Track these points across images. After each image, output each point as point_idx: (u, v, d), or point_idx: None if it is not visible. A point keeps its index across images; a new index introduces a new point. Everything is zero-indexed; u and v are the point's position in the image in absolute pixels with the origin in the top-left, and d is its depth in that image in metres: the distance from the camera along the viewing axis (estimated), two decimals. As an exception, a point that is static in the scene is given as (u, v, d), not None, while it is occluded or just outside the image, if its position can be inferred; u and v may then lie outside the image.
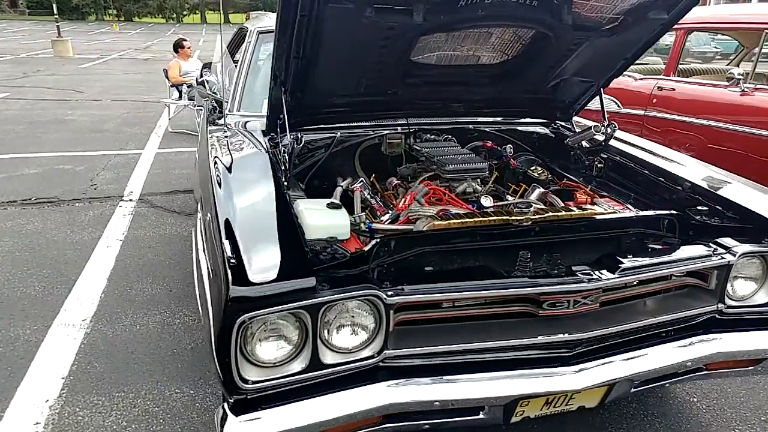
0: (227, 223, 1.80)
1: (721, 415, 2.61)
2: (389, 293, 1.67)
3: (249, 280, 1.54)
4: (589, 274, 1.81)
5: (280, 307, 1.53)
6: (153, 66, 18.62)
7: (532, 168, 2.87)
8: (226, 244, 1.64)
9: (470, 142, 2.95)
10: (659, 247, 2.02)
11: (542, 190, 2.57)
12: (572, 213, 2.08)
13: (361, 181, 2.66)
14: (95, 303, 3.56)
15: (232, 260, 1.59)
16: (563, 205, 2.43)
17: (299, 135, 2.36)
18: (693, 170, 2.49)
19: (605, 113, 2.74)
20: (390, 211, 2.46)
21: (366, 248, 1.85)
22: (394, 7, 1.99)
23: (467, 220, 1.97)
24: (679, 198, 2.32)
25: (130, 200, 5.44)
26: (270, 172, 2.26)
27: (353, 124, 2.78)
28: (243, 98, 3.09)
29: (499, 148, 2.90)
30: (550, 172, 2.85)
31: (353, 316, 1.70)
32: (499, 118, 3.00)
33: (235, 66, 3.35)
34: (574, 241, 2.00)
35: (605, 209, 2.17)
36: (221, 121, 3.08)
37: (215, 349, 1.57)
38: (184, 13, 67.34)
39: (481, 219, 1.98)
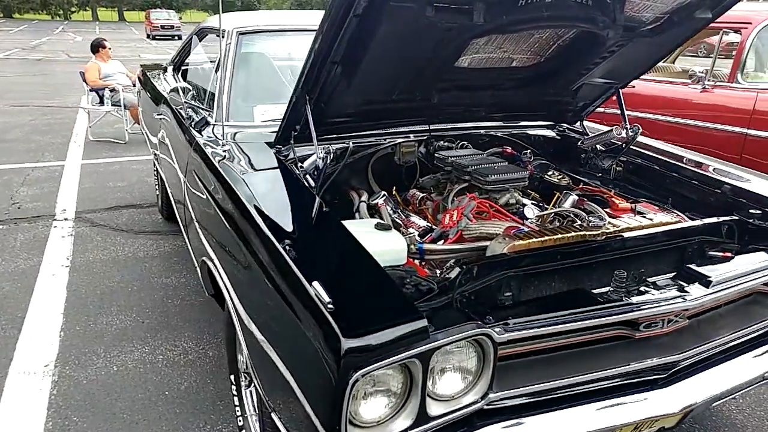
0: (303, 260, 1.54)
1: (752, 414, 2.63)
2: (497, 329, 1.49)
3: (360, 329, 1.30)
4: (684, 290, 1.71)
5: (401, 356, 1.31)
6: (49, 67, 17.20)
7: (549, 173, 2.76)
8: (318, 288, 1.39)
9: (483, 148, 2.80)
10: (729, 255, 1.96)
11: (575, 197, 2.47)
12: (643, 224, 1.99)
13: (384, 195, 2.45)
14: (55, 344, 3.11)
15: (330, 306, 1.34)
16: (604, 213, 2.34)
17: (330, 148, 2.13)
18: (723, 171, 2.48)
19: (625, 115, 2.68)
20: (425, 227, 2.28)
21: (451, 275, 1.65)
22: (452, 6, 1.80)
23: (546, 238, 1.82)
24: (720, 201, 2.29)
25: (65, 219, 4.88)
26: (311, 192, 2.02)
27: (369, 132, 2.56)
28: (231, 107, 2.77)
29: (517, 153, 2.78)
30: (566, 176, 2.76)
31: (454, 358, 1.50)
32: (513, 122, 2.88)
33: (215, 71, 3.02)
34: (648, 254, 1.90)
35: (672, 218, 2.09)
36: (208, 133, 2.76)
37: (321, 417, 1.32)
38: (73, 9, 62.99)
39: (559, 237, 1.83)
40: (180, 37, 33.12)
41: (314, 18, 3.53)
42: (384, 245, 1.86)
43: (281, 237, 1.68)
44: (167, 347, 3.09)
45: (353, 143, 2.46)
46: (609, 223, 1.95)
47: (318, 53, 1.93)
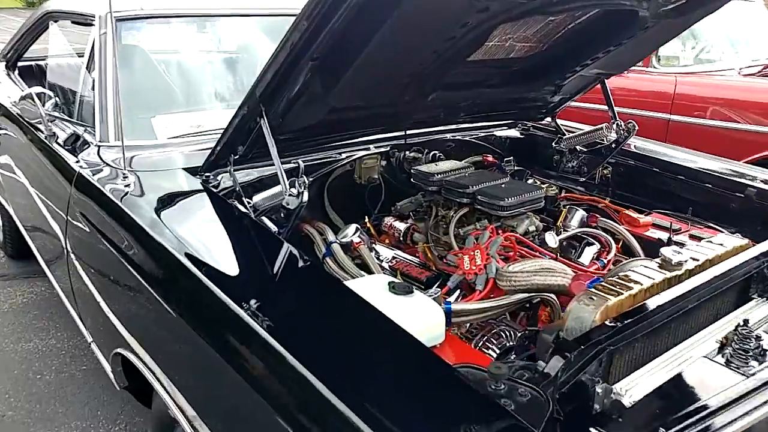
0: (343, 386, 0.96)
1: None
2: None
3: None
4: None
5: None
6: None
7: (529, 182, 2.35)
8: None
9: (452, 155, 2.30)
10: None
11: (583, 213, 2.07)
12: (720, 253, 1.61)
13: (356, 228, 1.87)
14: None
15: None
16: (625, 233, 1.97)
17: (305, 179, 1.53)
18: (735, 171, 2.19)
19: (614, 111, 2.32)
20: (428, 273, 1.75)
21: (547, 369, 1.15)
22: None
23: (635, 292, 1.36)
24: (747, 208, 2.00)
25: None
26: (277, 239, 1.47)
27: (329, 146, 1.97)
28: (119, 121, 2.00)
29: (498, 161, 2.33)
30: (552, 184, 2.37)
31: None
32: (484, 122, 2.41)
33: (88, 70, 2.20)
34: (725, 290, 1.54)
35: (741, 241, 1.74)
36: (89, 157, 1.99)
37: None
38: None
39: (646, 287, 1.39)
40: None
41: (212, 1, 2.81)
42: (414, 319, 1.30)
43: (278, 330, 1.08)
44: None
45: (303, 161, 1.85)
46: (690, 258, 1.54)
47: (292, 48, 1.32)
